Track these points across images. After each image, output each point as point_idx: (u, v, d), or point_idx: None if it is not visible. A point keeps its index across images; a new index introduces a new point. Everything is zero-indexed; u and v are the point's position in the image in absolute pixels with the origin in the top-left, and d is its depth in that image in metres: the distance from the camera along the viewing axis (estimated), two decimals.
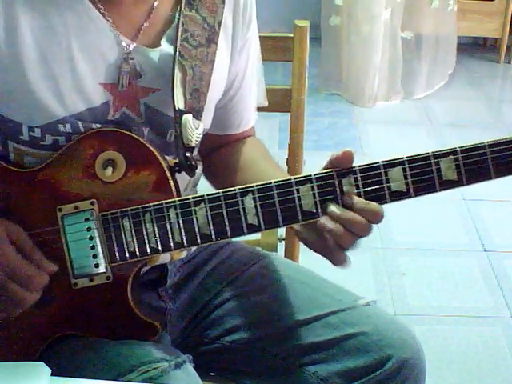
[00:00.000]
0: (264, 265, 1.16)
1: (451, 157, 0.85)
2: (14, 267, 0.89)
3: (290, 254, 1.46)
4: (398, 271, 2.41)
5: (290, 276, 1.13)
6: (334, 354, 1.03)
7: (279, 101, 1.37)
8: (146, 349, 0.95)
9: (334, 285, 1.13)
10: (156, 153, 0.93)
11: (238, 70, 1.09)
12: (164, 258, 1.06)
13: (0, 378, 0.81)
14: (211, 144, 1.14)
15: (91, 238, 0.92)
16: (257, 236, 1.39)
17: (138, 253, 0.92)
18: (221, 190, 0.89)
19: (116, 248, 0.92)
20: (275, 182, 0.88)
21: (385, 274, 2.39)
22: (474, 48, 4.57)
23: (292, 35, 1.32)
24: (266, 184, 0.88)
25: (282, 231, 1.44)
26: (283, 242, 1.46)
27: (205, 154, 1.15)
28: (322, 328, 1.05)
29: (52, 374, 0.83)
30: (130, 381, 0.90)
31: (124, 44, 0.95)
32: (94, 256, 0.93)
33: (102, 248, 0.92)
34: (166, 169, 0.93)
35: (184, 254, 1.11)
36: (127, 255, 0.92)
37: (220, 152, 1.16)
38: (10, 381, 0.81)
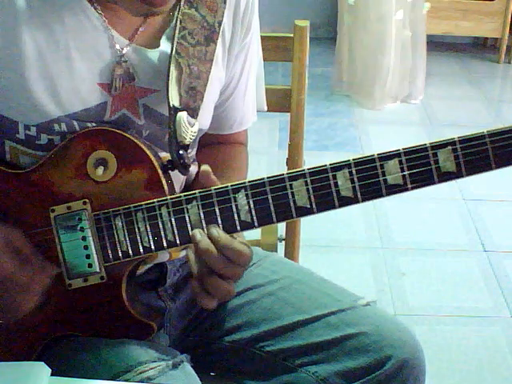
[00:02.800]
0: (264, 265, 1.16)
1: (449, 147, 0.83)
2: (13, 272, 0.90)
3: (290, 254, 1.46)
4: (398, 271, 2.41)
5: (290, 276, 1.13)
6: (333, 354, 1.03)
7: (279, 101, 1.37)
8: (144, 349, 0.95)
9: (333, 285, 1.13)
10: (147, 151, 0.93)
11: (234, 74, 1.09)
12: (163, 256, 1.06)
13: (0, 378, 0.81)
14: (202, 141, 1.14)
15: (84, 239, 0.92)
16: (257, 236, 1.39)
17: (131, 252, 0.91)
18: (213, 187, 0.89)
19: (109, 248, 0.92)
20: (268, 178, 0.87)
21: (385, 274, 2.39)
22: (474, 48, 4.57)
23: (292, 35, 1.32)
24: (259, 180, 0.87)
25: (282, 231, 1.44)
26: (283, 242, 1.46)
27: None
28: (322, 328, 1.05)
29: (50, 374, 0.83)
30: (127, 381, 0.90)
31: (117, 46, 0.94)
32: (88, 256, 0.92)
33: (95, 248, 0.92)
34: (157, 167, 0.92)
35: (183, 253, 1.11)
36: (120, 255, 0.92)
37: (203, 151, 1.16)
38: (10, 381, 0.81)
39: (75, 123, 0.94)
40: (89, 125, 0.94)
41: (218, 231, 0.88)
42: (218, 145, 1.18)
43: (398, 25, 3.57)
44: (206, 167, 0.90)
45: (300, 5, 4.31)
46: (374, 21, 3.55)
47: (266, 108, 1.27)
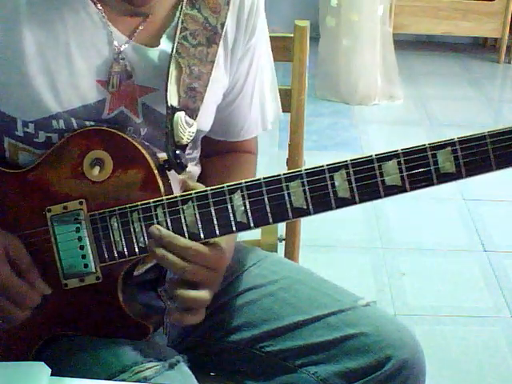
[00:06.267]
0: (264, 265, 1.15)
1: (449, 148, 0.82)
2: (7, 285, 0.90)
3: (290, 254, 1.46)
4: (398, 271, 2.41)
5: (290, 276, 1.13)
6: (333, 354, 1.03)
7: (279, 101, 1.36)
8: (140, 349, 0.95)
9: (333, 285, 1.13)
10: (144, 151, 0.92)
11: (238, 77, 1.09)
12: None
13: (0, 378, 0.81)
14: (212, 148, 1.14)
15: (80, 239, 0.92)
16: (257, 236, 1.39)
17: (126, 252, 0.91)
18: (209, 188, 0.88)
19: (105, 248, 0.92)
20: (264, 179, 0.86)
21: (385, 274, 2.39)
22: (474, 48, 4.57)
23: (292, 35, 1.32)
24: (255, 181, 0.87)
25: (282, 231, 1.44)
26: (283, 242, 1.46)
27: (203, 157, 1.15)
28: (322, 328, 1.05)
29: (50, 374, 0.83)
30: (123, 380, 0.90)
31: (116, 43, 0.95)
32: (83, 256, 0.92)
33: (90, 248, 0.92)
34: (154, 167, 0.92)
35: None
36: (116, 255, 0.92)
37: (213, 159, 1.16)
38: (10, 381, 0.81)
39: (73, 120, 0.94)
40: (87, 123, 0.95)
41: (158, 229, 0.88)
42: (227, 153, 1.17)
43: (379, 21, 3.60)
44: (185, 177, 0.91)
45: (300, 5, 4.31)
46: (358, 20, 3.57)
47: (280, 115, 1.26)
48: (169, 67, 0.95)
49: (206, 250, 0.89)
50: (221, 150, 1.17)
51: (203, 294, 0.91)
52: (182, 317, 0.91)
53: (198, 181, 1.11)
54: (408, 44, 4.48)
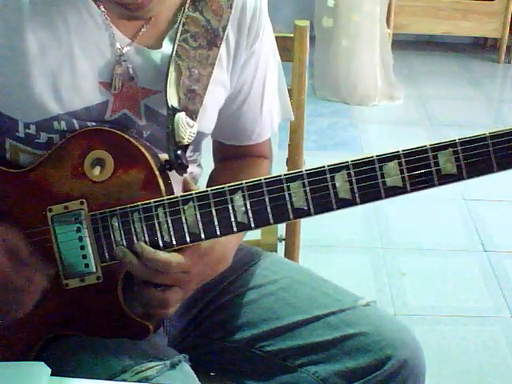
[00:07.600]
0: (264, 265, 1.15)
1: (450, 149, 0.81)
2: (5, 278, 0.90)
3: (290, 253, 1.46)
4: (398, 271, 2.41)
5: (289, 276, 1.13)
6: (333, 354, 1.03)
7: None
8: (142, 349, 0.95)
9: (333, 285, 1.13)
10: (145, 151, 0.92)
11: (244, 81, 1.08)
12: None
13: (0, 378, 0.81)
14: (224, 153, 1.14)
15: (81, 239, 0.92)
16: (257, 236, 1.39)
17: None
18: (209, 188, 0.88)
19: (105, 248, 0.92)
20: (265, 179, 0.86)
21: (385, 274, 2.39)
22: (474, 48, 4.57)
23: (292, 35, 1.32)
24: (256, 181, 0.87)
25: (282, 231, 1.44)
26: (283, 242, 1.46)
27: (216, 162, 1.16)
28: (322, 328, 1.05)
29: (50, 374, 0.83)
30: (124, 381, 0.90)
31: (118, 45, 0.95)
32: (84, 256, 0.93)
33: (91, 248, 0.92)
34: (154, 167, 0.92)
35: None
36: None
37: (225, 163, 1.16)
38: (10, 381, 0.81)
39: (75, 121, 0.94)
40: (88, 124, 0.95)
41: (141, 246, 0.89)
42: (239, 157, 1.17)
43: (378, 21, 3.61)
44: (187, 176, 0.91)
45: (299, 4, 4.31)
46: (357, 21, 3.57)
47: (292, 117, 1.26)
48: (168, 69, 0.96)
49: (176, 258, 0.90)
50: (233, 155, 1.16)
51: (167, 296, 0.91)
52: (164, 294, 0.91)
53: (208, 185, 1.11)
54: (408, 44, 4.48)
